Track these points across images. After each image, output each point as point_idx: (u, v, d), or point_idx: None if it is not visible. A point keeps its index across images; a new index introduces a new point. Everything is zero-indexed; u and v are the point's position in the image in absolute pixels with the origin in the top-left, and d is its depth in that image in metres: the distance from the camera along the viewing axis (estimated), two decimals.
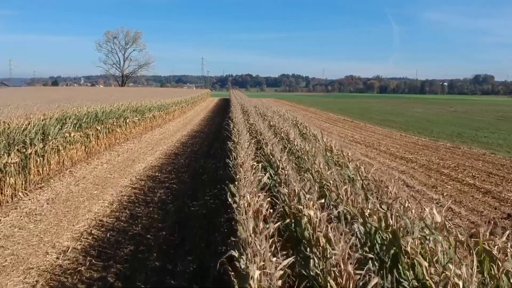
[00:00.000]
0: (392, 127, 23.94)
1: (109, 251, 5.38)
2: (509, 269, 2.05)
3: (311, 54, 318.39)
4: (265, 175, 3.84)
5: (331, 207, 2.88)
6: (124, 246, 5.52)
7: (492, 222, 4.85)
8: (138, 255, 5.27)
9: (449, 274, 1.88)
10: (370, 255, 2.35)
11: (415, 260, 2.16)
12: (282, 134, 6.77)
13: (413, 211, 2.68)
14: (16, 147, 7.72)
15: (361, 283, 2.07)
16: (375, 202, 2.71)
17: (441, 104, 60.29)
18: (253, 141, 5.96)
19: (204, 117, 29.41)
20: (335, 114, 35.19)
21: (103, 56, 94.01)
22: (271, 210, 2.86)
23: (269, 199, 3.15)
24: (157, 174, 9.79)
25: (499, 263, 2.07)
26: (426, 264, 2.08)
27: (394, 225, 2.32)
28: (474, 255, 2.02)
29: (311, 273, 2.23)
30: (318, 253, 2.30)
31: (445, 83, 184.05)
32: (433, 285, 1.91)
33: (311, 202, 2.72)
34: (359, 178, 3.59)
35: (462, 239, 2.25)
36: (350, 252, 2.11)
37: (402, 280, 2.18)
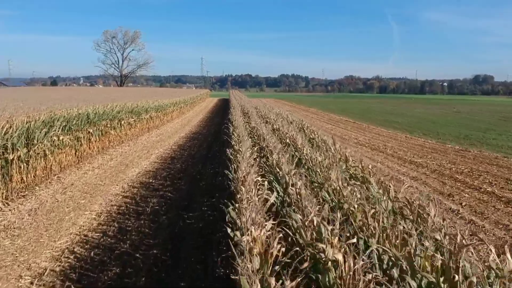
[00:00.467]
0: (396, 128, 23.32)
1: (92, 273, 4.72)
2: None
3: (310, 54, 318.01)
4: (271, 193, 3.19)
5: (358, 241, 2.24)
6: (109, 268, 4.86)
7: None
8: (125, 279, 4.61)
9: None
10: None
11: None
12: (288, 140, 6.10)
13: (472, 251, 2.03)
14: None
15: None
16: (423, 240, 2.07)
17: (442, 105, 59.73)
18: (255, 148, 5.30)
19: (203, 118, 28.76)
20: (336, 114, 34.55)
21: (102, 56, 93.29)
22: (283, 248, 2.21)
23: (278, 228, 2.50)
24: (151, 180, 9.12)
25: None
26: None
27: (459, 279, 1.67)
28: None
29: None
30: None
31: (445, 83, 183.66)
32: None
33: (336, 239, 2.08)
34: (386, 198, 2.95)
35: None
36: None
37: None
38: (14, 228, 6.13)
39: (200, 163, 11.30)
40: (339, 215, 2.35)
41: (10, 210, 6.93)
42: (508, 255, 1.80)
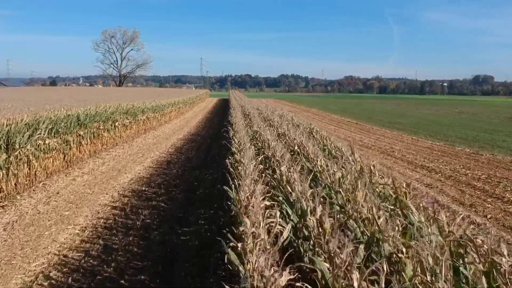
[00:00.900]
0: (400, 129, 22.63)
1: None
2: None
3: (310, 54, 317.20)
4: (282, 219, 2.50)
5: None
6: None
7: None
8: None
9: None
10: None
11: None
12: (296, 147, 5.36)
13: None
14: None
15: None
16: None
17: (443, 105, 59.11)
18: (260, 158, 4.58)
19: (202, 118, 28.05)
20: (338, 115, 33.86)
21: (101, 56, 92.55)
22: None
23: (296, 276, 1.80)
24: (144, 188, 8.40)
25: None
26: None
27: None
28: None
29: None
30: None
31: (445, 84, 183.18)
32: None
33: None
34: (434, 231, 2.25)
35: None
36: None
37: None
38: None
39: (198, 168, 10.58)
40: (385, 267, 1.67)
41: None
42: None
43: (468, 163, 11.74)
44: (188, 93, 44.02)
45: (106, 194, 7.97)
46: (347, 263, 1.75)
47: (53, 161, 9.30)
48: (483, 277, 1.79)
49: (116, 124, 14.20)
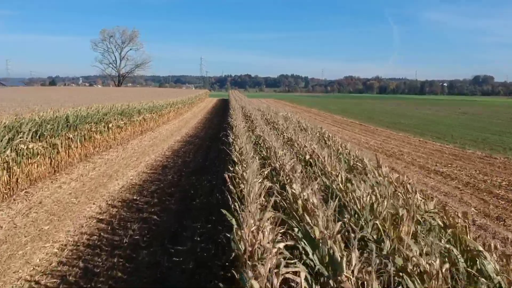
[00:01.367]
0: (405, 130, 21.92)
1: None
2: None
3: (310, 54, 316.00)
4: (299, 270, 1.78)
5: None
6: None
7: None
8: None
9: None
10: None
11: None
12: (308, 156, 4.60)
13: None
14: None
15: None
16: None
17: (445, 105, 58.44)
18: (266, 171, 3.85)
19: (201, 119, 27.33)
20: (340, 116, 33.14)
21: (99, 56, 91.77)
22: None
23: None
24: (135, 197, 7.67)
25: None
26: None
27: None
28: None
29: None
30: None
31: (445, 84, 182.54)
32: None
33: None
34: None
35: None
36: None
37: None
38: None
39: (195, 173, 9.85)
40: None
41: None
42: None
43: (483, 167, 11.02)
44: (188, 93, 43.34)
45: (93, 204, 7.23)
46: None
47: (37, 167, 8.56)
48: None
49: (110, 125, 13.46)
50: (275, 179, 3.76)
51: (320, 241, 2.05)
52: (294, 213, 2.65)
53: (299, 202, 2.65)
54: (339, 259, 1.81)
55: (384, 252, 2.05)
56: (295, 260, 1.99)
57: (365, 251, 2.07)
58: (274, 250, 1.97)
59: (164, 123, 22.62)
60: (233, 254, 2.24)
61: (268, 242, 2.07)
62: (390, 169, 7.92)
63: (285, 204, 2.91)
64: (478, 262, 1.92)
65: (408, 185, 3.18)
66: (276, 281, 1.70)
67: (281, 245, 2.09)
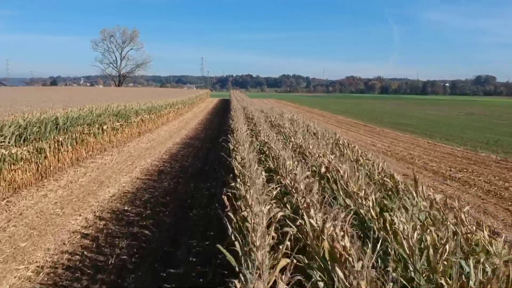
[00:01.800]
0: (412, 132, 21.20)
1: None
2: None
3: (311, 54, 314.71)
4: None
5: None
6: None
7: None
8: None
9: None
10: None
11: None
12: (323, 169, 3.89)
13: None
14: None
15: None
16: None
17: (447, 105, 57.68)
18: (274, 190, 3.15)
19: (202, 119, 26.66)
20: (344, 116, 32.45)
21: (99, 55, 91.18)
22: None
23: None
24: (126, 207, 6.99)
25: None
26: None
27: None
28: None
29: None
30: None
31: (447, 84, 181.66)
32: None
33: None
34: None
35: None
36: None
37: None
38: None
39: (193, 179, 9.17)
40: None
41: None
42: None
43: (502, 173, 10.31)
44: (188, 93, 42.74)
45: (80, 215, 6.56)
46: None
47: (22, 173, 7.89)
48: None
49: (105, 127, 12.80)
50: (285, 199, 3.06)
51: None
52: (315, 255, 1.97)
53: (325, 244, 1.95)
54: None
55: None
56: None
57: None
58: None
59: (163, 124, 21.96)
60: None
61: None
62: (404, 175, 7.11)
63: (302, 237, 2.22)
64: None
65: (464, 216, 2.48)
66: None
67: None
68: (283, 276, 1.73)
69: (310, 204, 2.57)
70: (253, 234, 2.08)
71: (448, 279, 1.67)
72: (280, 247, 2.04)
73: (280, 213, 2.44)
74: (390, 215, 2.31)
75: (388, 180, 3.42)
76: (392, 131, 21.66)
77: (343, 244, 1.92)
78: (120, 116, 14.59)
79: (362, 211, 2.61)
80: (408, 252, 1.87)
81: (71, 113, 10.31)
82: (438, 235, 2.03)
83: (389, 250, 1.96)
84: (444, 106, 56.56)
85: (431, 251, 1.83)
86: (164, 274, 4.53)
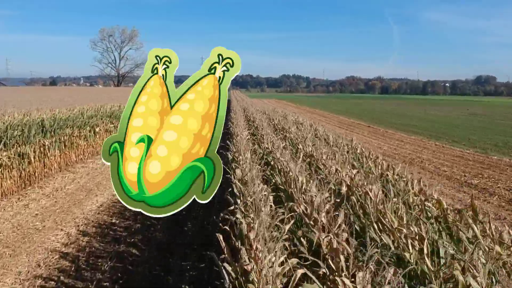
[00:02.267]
0: (418, 133, 20.54)
1: None
2: None
3: (311, 54, 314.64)
4: None
5: None
6: None
7: None
8: None
9: None
10: None
11: None
12: (343, 188, 3.19)
13: None
14: None
15: None
16: None
17: (448, 105, 57.09)
18: (287, 225, 2.43)
19: None
20: (346, 117, 31.78)
21: (98, 55, 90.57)
22: None
23: None
24: (114, 220, 6.32)
25: None
26: None
27: None
28: None
29: None
30: None
31: (447, 84, 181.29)
32: None
33: None
34: None
35: None
36: None
37: None
38: None
39: None
40: None
41: None
42: None
43: None
44: None
45: (61, 230, 5.89)
46: None
47: (1, 181, 7.22)
48: None
49: (97, 130, 12.13)
50: (304, 240, 2.30)
51: None
52: None
53: None
54: None
55: None
56: None
57: None
58: None
59: None
60: None
61: None
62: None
63: None
64: None
65: None
66: None
67: None
68: None
69: (338, 247, 1.87)
70: None
71: None
72: None
73: (300, 271, 1.77)
74: (462, 275, 1.62)
75: (431, 206, 2.74)
76: (397, 132, 21.01)
77: None
78: (114, 118, 13.91)
79: (407, 255, 1.93)
80: None
81: (59, 114, 9.63)
82: None
83: None
84: (446, 106, 55.98)
85: None
86: None
